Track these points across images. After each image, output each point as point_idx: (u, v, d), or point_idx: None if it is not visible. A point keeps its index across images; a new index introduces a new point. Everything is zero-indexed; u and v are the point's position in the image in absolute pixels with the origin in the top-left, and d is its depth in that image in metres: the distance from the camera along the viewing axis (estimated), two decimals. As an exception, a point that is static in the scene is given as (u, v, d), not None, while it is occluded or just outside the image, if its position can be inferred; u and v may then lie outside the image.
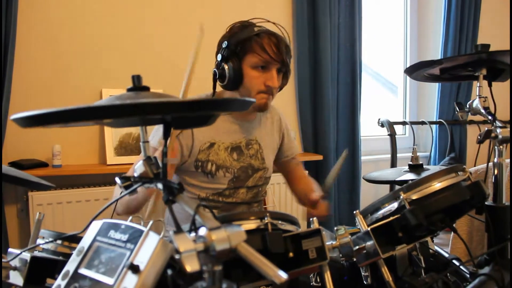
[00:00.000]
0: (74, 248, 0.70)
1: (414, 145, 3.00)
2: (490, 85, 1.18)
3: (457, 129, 3.28)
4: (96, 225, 0.67)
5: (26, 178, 0.98)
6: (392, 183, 1.36)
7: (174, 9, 2.35)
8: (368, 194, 2.96)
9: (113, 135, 2.18)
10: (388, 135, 2.85)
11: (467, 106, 1.15)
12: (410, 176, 1.31)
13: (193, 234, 0.57)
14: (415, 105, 3.51)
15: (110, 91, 2.20)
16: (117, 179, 0.66)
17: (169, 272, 0.60)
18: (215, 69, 1.35)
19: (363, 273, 0.97)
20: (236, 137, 1.45)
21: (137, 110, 0.51)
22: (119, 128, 2.17)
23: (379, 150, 3.18)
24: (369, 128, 3.14)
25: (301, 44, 2.66)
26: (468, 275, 1.08)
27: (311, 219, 0.88)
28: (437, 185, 0.94)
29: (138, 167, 0.65)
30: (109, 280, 0.58)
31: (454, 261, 1.12)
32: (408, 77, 3.43)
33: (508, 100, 1.54)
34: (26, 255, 0.83)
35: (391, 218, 0.91)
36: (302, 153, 2.73)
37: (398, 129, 3.18)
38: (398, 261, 1.00)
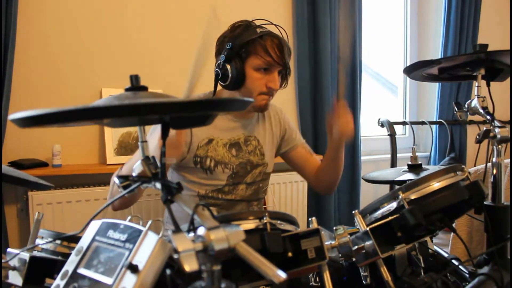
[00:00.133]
0: (73, 248, 0.70)
1: (414, 145, 3.00)
2: (488, 85, 1.18)
3: (457, 129, 3.28)
4: (95, 225, 0.68)
5: (26, 178, 0.98)
6: (391, 183, 1.36)
7: (174, 9, 2.36)
8: (368, 194, 2.96)
9: (113, 135, 2.18)
10: (388, 135, 2.85)
11: (466, 106, 1.15)
12: (409, 176, 1.31)
13: (191, 233, 0.57)
14: (415, 105, 3.51)
15: (110, 91, 2.20)
16: (116, 179, 0.66)
17: (168, 271, 0.60)
18: (217, 69, 1.36)
19: (362, 273, 0.97)
20: (235, 133, 1.46)
21: (135, 110, 0.51)
22: (119, 128, 2.17)
23: (379, 150, 3.18)
24: (369, 128, 3.14)
25: (301, 44, 2.66)
26: (467, 275, 1.08)
27: (310, 219, 0.88)
28: (435, 185, 0.94)
29: (136, 166, 0.65)
30: (108, 280, 0.58)
31: (453, 261, 1.12)
32: (408, 77, 3.44)
33: (507, 100, 1.54)
34: (25, 255, 0.83)
35: (390, 218, 0.90)
36: (302, 153, 2.72)
37: (398, 129, 3.18)
38: (397, 261, 1.00)
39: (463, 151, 3.29)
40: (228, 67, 1.33)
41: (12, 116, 0.51)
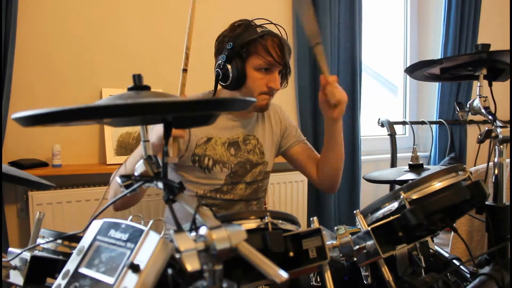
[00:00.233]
0: (74, 248, 0.70)
1: (414, 145, 3.00)
2: (490, 85, 1.18)
3: (457, 129, 3.28)
4: (96, 225, 0.68)
5: (26, 178, 0.98)
6: (392, 183, 1.37)
7: (174, 9, 2.35)
8: (368, 194, 2.96)
9: (113, 135, 2.18)
10: (388, 135, 2.85)
11: (468, 106, 1.15)
12: (410, 176, 1.31)
13: (193, 233, 0.57)
14: (415, 105, 3.51)
15: (110, 91, 2.20)
16: (117, 179, 0.66)
17: (170, 271, 0.60)
18: (217, 69, 1.35)
19: (363, 273, 0.97)
20: (234, 133, 1.46)
21: (138, 109, 0.51)
22: (119, 128, 2.17)
23: (379, 150, 3.18)
24: (369, 128, 3.14)
25: (301, 44, 2.66)
26: (468, 275, 1.08)
27: (311, 218, 0.88)
28: (437, 185, 0.94)
29: (139, 166, 0.65)
30: (109, 280, 0.58)
31: (454, 261, 1.13)
32: (408, 77, 3.44)
33: (508, 100, 1.54)
34: (26, 255, 0.83)
35: (392, 217, 0.91)
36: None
37: (398, 129, 3.18)
38: (398, 261, 1.00)
39: (463, 151, 3.29)
40: (229, 67, 1.33)
41: (15, 115, 0.51)
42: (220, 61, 1.34)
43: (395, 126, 2.89)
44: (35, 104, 2.07)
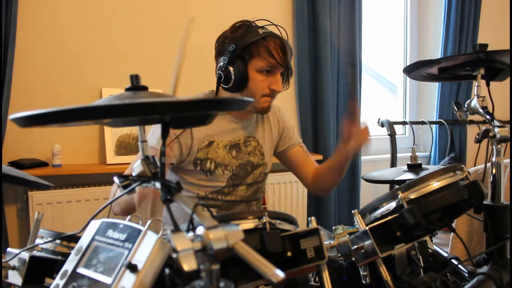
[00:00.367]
0: (72, 248, 0.70)
1: (413, 145, 3.00)
2: (488, 85, 1.18)
3: (457, 129, 3.28)
4: (94, 225, 0.68)
5: (26, 178, 0.99)
6: (391, 182, 1.37)
7: (174, 9, 2.36)
8: (367, 194, 2.96)
9: (112, 135, 2.19)
10: (388, 135, 2.85)
11: (466, 106, 1.15)
12: (409, 176, 1.31)
13: (191, 233, 0.58)
14: (415, 105, 3.51)
15: (110, 91, 2.20)
16: (116, 179, 0.66)
17: (167, 271, 0.60)
18: (219, 72, 1.35)
19: (361, 273, 0.97)
20: (235, 135, 1.46)
21: (136, 110, 0.51)
22: (119, 128, 2.17)
23: (379, 150, 3.18)
24: (369, 128, 3.14)
25: (301, 44, 2.66)
26: (466, 275, 1.08)
27: (309, 218, 0.88)
28: (435, 185, 0.94)
29: (136, 166, 0.65)
30: (107, 280, 0.58)
31: (453, 261, 1.13)
32: (408, 77, 3.44)
33: (507, 100, 1.54)
34: (25, 255, 0.84)
35: (389, 217, 0.90)
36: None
37: (398, 129, 3.18)
38: (397, 261, 1.00)
39: (463, 151, 3.29)
40: (231, 69, 1.32)
41: (12, 116, 0.51)
42: (222, 63, 1.33)
43: (395, 126, 2.89)
44: (35, 104, 2.07)
